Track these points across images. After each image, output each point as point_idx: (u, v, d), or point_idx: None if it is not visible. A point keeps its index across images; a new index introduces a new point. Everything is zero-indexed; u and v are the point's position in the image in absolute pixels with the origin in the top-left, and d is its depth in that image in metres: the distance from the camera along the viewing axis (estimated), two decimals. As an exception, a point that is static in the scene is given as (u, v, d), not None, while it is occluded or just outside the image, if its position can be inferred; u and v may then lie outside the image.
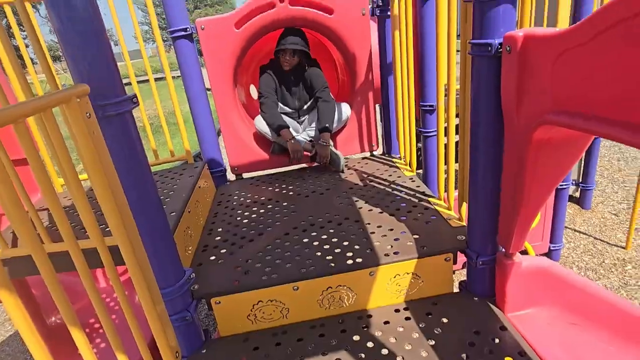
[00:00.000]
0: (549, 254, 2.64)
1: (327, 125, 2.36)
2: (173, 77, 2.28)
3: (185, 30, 2.10)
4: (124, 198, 1.08)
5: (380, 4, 2.21)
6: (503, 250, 1.30)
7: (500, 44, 1.02)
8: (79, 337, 0.88)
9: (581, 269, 2.54)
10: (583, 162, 3.15)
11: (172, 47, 2.19)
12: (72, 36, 0.93)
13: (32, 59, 2.33)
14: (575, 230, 2.93)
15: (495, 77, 1.07)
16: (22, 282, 2.12)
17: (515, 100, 1.01)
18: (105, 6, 2.16)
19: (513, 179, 1.13)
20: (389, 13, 2.18)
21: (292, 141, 2.36)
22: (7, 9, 2.02)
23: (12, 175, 1.26)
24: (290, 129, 2.43)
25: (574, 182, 3.23)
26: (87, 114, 0.92)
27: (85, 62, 0.96)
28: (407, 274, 1.42)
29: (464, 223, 1.55)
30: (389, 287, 1.43)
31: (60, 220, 0.85)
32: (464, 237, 1.46)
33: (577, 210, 3.20)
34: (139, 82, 2.16)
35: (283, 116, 2.53)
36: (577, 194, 3.30)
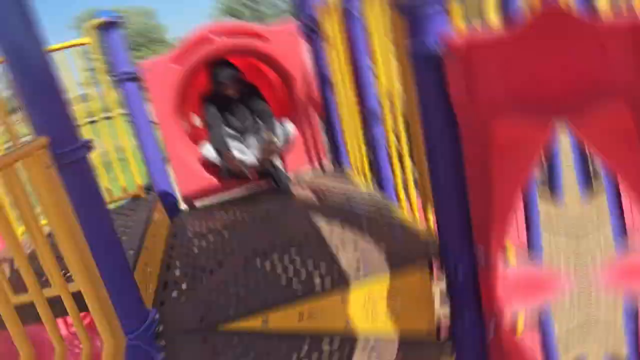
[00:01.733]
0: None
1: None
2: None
3: (129, 73, 2.25)
4: (84, 242, 1.08)
5: (309, 24, 2.34)
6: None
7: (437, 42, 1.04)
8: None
9: None
10: None
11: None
12: (28, 89, 0.94)
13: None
14: None
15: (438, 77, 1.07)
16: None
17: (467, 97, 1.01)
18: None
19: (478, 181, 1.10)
20: (316, 32, 2.34)
21: (235, 161, 2.36)
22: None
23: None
24: (235, 151, 2.42)
25: None
26: (47, 165, 0.93)
27: (42, 112, 0.98)
28: (382, 293, 1.35)
29: (433, 230, 1.49)
30: (364, 310, 1.35)
31: (25, 271, 0.85)
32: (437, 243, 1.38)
33: None
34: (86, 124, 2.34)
35: (230, 140, 2.50)
36: None
